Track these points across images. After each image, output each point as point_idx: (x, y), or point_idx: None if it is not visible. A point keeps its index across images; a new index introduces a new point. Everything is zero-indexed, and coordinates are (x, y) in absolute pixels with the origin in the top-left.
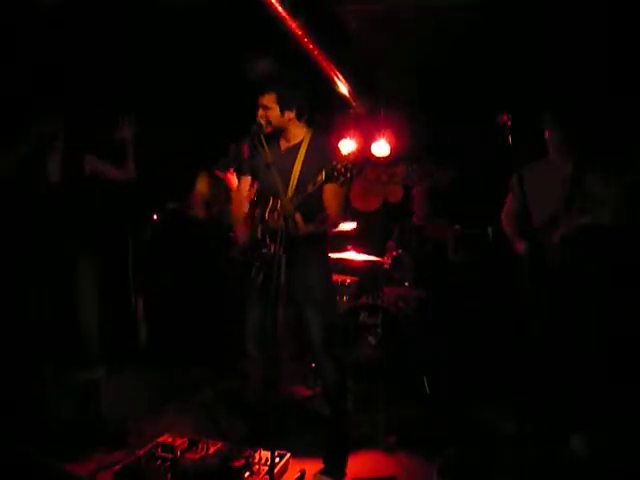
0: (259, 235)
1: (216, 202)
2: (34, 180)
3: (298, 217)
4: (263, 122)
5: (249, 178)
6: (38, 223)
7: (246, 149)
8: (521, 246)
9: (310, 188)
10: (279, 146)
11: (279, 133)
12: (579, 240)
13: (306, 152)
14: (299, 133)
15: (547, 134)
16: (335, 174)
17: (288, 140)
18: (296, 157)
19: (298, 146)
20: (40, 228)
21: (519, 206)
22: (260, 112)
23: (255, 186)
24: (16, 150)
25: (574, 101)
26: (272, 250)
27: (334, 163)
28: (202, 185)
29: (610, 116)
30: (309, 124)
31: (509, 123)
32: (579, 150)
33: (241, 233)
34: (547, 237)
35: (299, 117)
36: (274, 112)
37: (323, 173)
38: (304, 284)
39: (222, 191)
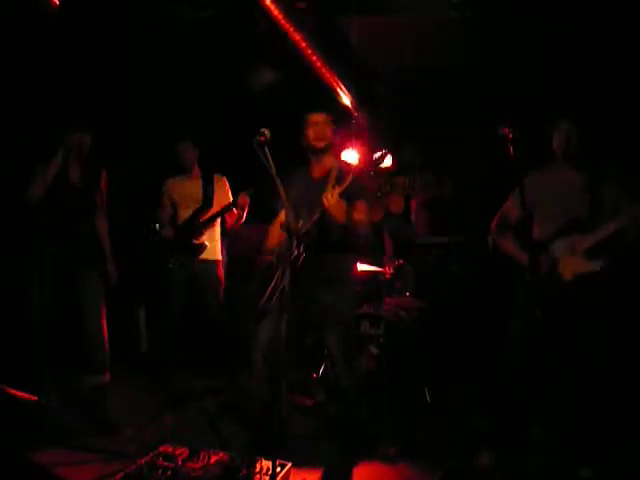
0: (284, 250)
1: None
2: (58, 185)
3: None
4: (319, 136)
5: (283, 212)
6: (51, 229)
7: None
8: (524, 258)
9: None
10: (312, 173)
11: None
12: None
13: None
14: (328, 160)
15: (557, 141)
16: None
17: (320, 169)
18: (324, 187)
19: (326, 176)
20: (56, 233)
21: (521, 214)
22: (319, 127)
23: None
24: (55, 161)
25: (589, 109)
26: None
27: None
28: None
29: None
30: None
31: (510, 135)
32: (594, 159)
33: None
34: (566, 245)
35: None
36: (329, 130)
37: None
38: (327, 304)
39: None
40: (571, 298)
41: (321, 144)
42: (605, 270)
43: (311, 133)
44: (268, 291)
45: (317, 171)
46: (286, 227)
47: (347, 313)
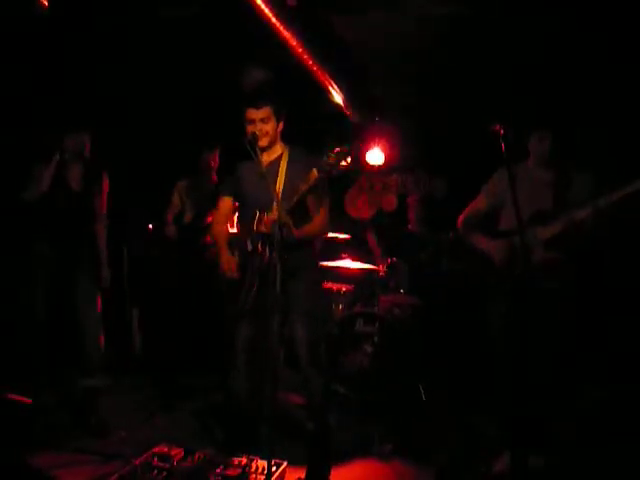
0: (249, 247)
1: (192, 206)
2: (56, 187)
3: (289, 224)
4: (260, 134)
5: (230, 199)
6: (48, 230)
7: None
8: (495, 248)
9: (303, 187)
10: (261, 163)
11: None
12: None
13: (288, 163)
14: (278, 147)
15: (532, 147)
16: (327, 167)
17: (269, 154)
18: (278, 169)
19: (278, 159)
20: (52, 235)
21: (490, 207)
22: (257, 126)
23: (236, 204)
24: (52, 163)
25: (564, 111)
26: (265, 260)
27: (325, 158)
28: (175, 198)
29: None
30: (285, 138)
31: (502, 132)
32: (566, 159)
33: (225, 259)
34: (529, 235)
35: (283, 130)
36: (272, 124)
37: (314, 170)
38: (294, 295)
39: (202, 192)
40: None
41: (264, 142)
42: (562, 260)
43: (250, 130)
44: (247, 291)
45: (265, 159)
46: (279, 221)
47: (313, 303)
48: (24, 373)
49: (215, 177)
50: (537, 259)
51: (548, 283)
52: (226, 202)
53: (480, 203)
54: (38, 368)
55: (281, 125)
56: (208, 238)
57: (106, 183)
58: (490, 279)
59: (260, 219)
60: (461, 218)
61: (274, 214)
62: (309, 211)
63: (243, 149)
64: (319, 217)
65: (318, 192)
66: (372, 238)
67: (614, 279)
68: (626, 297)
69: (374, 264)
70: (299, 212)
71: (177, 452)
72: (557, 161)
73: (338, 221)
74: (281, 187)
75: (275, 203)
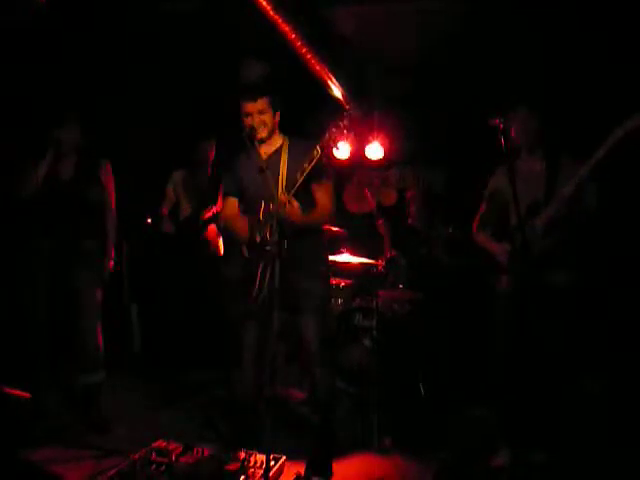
0: (257, 239)
1: (189, 200)
2: (50, 181)
3: (294, 204)
4: (257, 126)
5: (235, 200)
6: (43, 224)
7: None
8: (500, 249)
9: (306, 165)
10: (260, 155)
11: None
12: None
13: (289, 153)
14: (278, 139)
15: (515, 129)
16: (326, 143)
17: (269, 146)
18: (280, 161)
19: (279, 151)
20: (49, 229)
21: (495, 209)
22: (255, 118)
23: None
24: (46, 158)
25: (548, 97)
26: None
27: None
28: (170, 190)
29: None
30: (284, 129)
31: (501, 126)
32: (552, 144)
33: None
34: (529, 228)
35: (280, 121)
36: (269, 115)
37: (317, 147)
38: (301, 288)
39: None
40: (533, 278)
41: (263, 133)
42: (562, 246)
43: (248, 123)
44: (255, 289)
45: (265, 151)
46: (277, 218)
47: (320, 294)
48: (25, 370)
49: (209, 170)
50: (539, 250)
51: (553, 276)
52: (232, 202)
53: (485, 207)
54: (39, 364)
55: (278, 115)
56: (206, 234)
57: (110, 177)
58: (490, 274)
59: (265, 211)
60: (474, 225)
61: (279, 204)
62: (313, 199)
63: (240, 142)
64: (321, 203)
65: (321, 177)
66: (385, 227)
67: (617, 264)
68: (629, 283)
69: (383, 254)
70: (303, 199)
71: (176, 447)
72: (546, 150)
73: (341, 217)
74: (284, 178)
75: (278, 194)
